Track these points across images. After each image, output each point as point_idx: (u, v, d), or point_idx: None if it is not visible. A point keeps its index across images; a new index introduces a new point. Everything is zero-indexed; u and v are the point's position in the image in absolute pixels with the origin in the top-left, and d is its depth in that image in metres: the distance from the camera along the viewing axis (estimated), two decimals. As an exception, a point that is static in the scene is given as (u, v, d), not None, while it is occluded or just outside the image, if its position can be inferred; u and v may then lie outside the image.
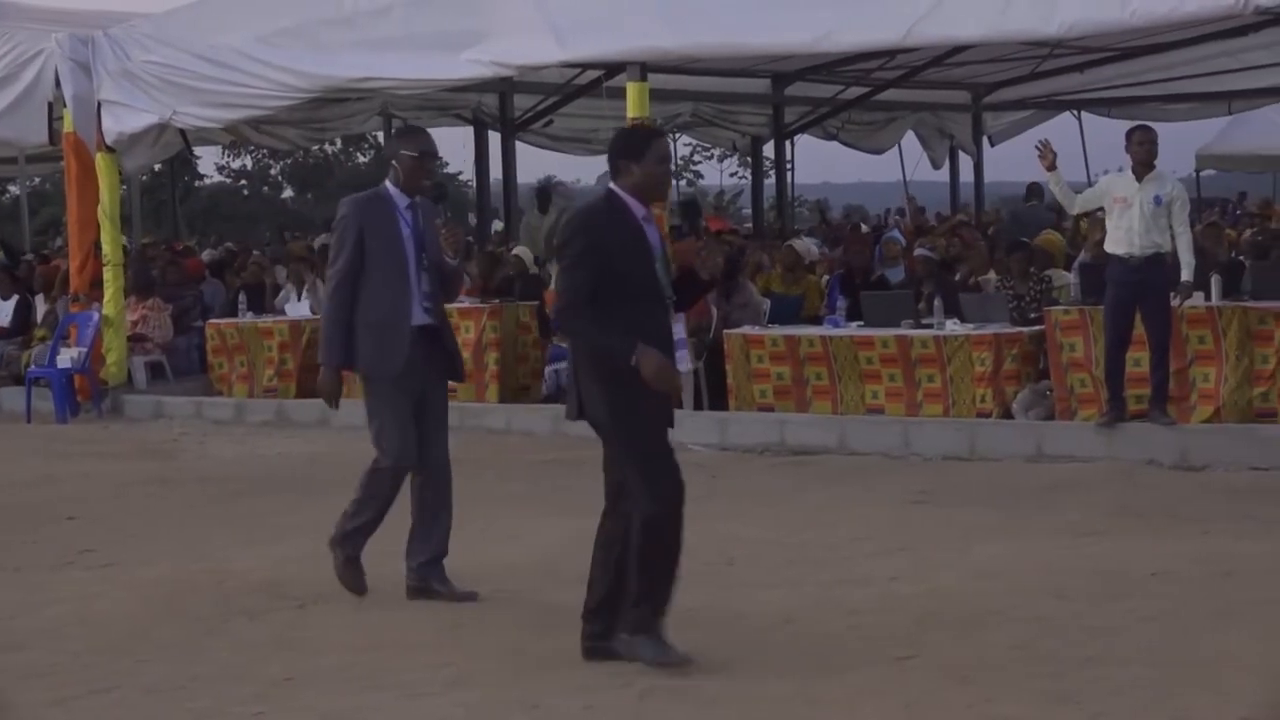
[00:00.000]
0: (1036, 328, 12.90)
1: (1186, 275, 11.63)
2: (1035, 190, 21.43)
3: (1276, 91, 21.83)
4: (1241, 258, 15.11)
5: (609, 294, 6.58)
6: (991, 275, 14.98)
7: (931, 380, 12.84)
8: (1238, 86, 21.33)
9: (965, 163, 24.98)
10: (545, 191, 23.67)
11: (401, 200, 8.02)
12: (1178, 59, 20.21)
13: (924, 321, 13.28)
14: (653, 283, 6.71)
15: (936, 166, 25.02)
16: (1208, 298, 12.17)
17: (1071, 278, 14.02)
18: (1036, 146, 12.14)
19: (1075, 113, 23.78)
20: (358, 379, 8.22)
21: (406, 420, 7.98)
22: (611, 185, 6.80)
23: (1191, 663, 6.60)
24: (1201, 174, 30.41)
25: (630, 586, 6.74)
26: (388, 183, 8.10)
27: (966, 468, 11.87)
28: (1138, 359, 11.83)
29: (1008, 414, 12.67)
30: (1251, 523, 9.40)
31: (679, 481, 6.71)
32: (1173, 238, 11.61)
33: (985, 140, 24.42)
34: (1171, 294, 11.67)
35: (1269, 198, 31.92)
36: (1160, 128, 12.28)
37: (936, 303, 13.29)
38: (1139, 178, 11.59)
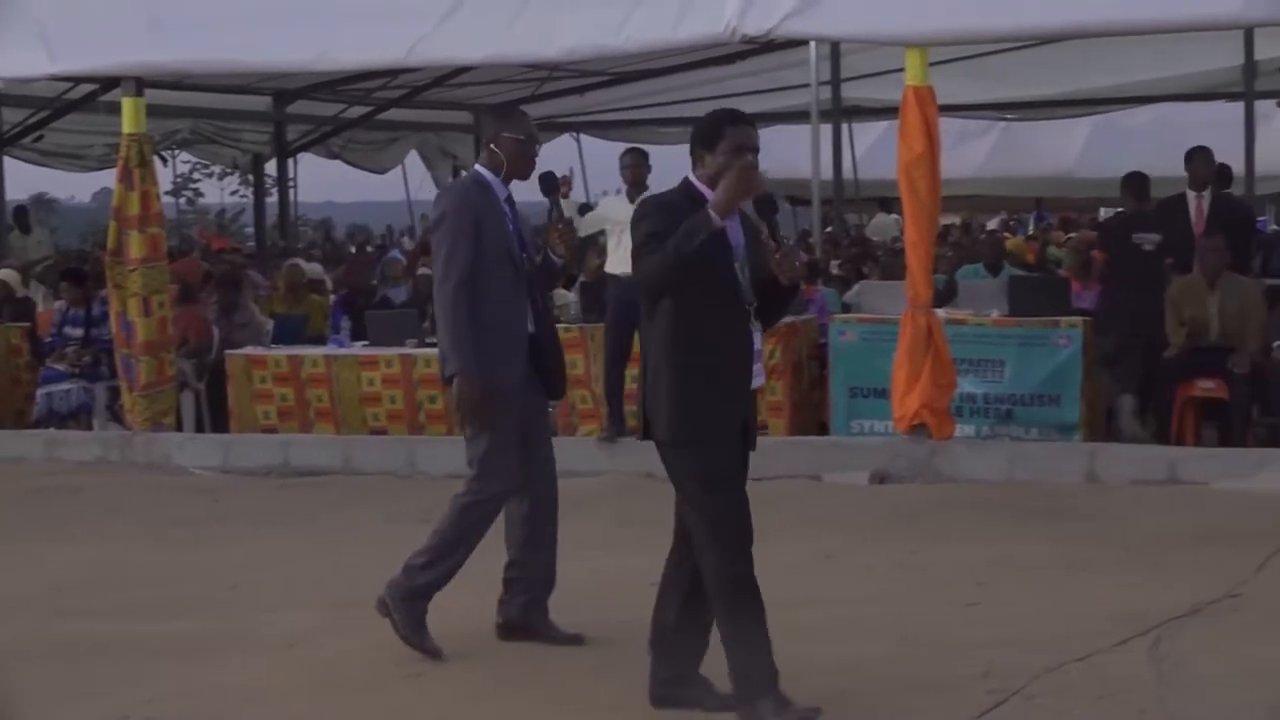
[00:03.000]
0: (539, 346, 13.09)
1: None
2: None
3: (760, 116, 22.79)
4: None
5: (681, 296, 5.89)
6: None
7: (434, 402, 12.91)
8: (727, 111, 22.19)
9: (468, 182, 25.22)
10: (23, 210, 22.82)
11: (501, 190, 7.13)
12: (671, 84, 20.92)
13: (429, 340, 13.34)
14: (731, 285, 5.98)
15: (440, 186, 25.19)
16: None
17: (572, 297, 14.30)
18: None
19: (575, 135, 24.31)
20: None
21: (514, 441, 7.16)
22: (689, 175, 6.13)
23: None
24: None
25: (727, 643, 6.00)
26: (483, 170, 7.14)
27: (472, 485, 11.94)
28: (635, 376, 12.13)
29: (512, 431, 12.82)
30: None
31: (745, 517, 5.99)
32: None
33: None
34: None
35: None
36: (656, 150, 12.66)
37: (441, 322, 13.35)
38: (632, 199, 11.90)
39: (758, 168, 5.91)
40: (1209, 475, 10.77)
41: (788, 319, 12.42)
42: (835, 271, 15.74)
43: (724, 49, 16.41)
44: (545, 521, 7.38)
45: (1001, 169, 25.72)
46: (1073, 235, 19.17)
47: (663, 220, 5.91)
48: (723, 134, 6.03)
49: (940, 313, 11.75)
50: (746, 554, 5.94)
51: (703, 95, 20.98)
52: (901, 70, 11.48)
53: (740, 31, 11.49)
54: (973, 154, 25.19)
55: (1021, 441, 11.75)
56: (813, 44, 15.44)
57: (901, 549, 9.09)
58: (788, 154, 23.21)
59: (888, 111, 15.43)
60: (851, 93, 19.99)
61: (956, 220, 26.47)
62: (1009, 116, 23.21)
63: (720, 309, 5.96)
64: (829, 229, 20.69)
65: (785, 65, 19.23)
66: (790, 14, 11.32)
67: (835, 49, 18.79)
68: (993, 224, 26.96)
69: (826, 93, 19.17)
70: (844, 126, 20.97)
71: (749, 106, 21.77)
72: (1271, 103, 20.48)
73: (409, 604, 7.11)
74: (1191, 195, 12.64)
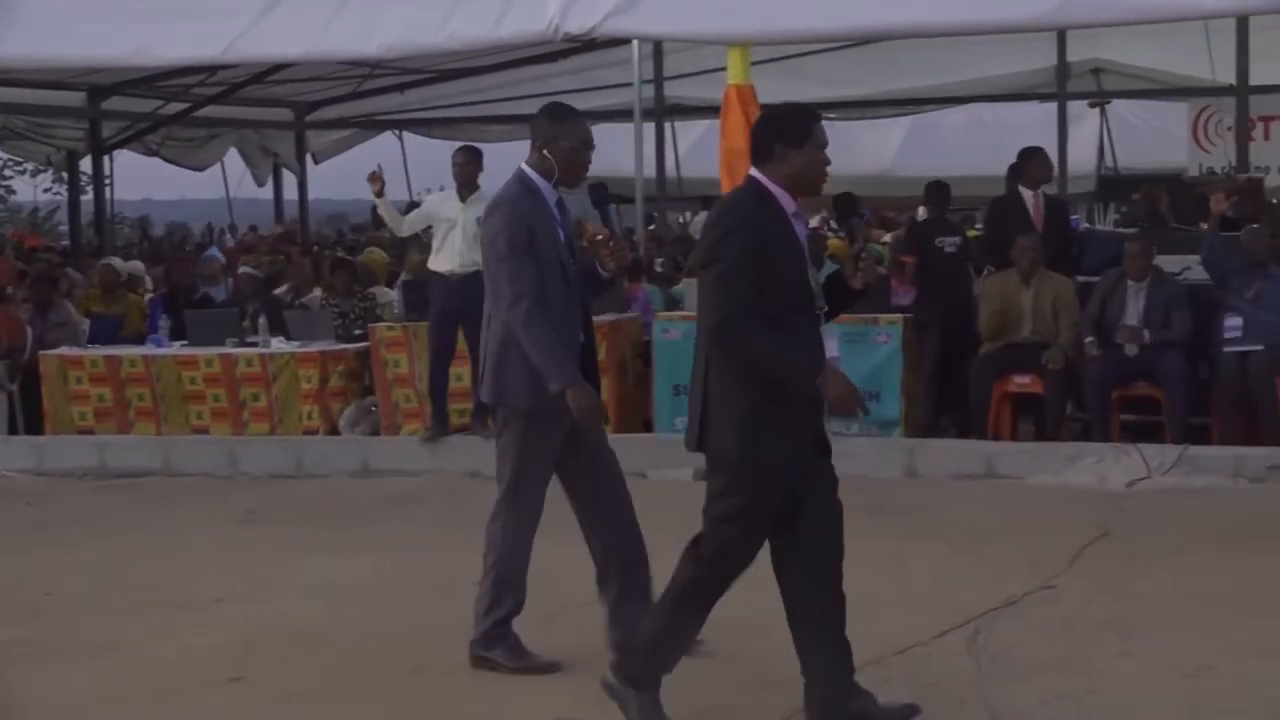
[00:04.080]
0: (361, 344, 13.04)
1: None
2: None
3: (583, 115, 22.81)
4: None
5: (761, 305, 5.54)
6: (317, 293, 15.05)
7: (257, 399, 12.78)
8: (550, 110, 22.20)
9: (289, 180, 24.99)
10: None
11: (551, 195, 6.75)
12: (494, 82, 20.87)
13: (249, 340, 13.21)
14: (806, 290, 5.67)
15: (260, 184, 24.94)
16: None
17: (395, 295, 14.22)
18: (370, 177, 12.16)
19: (396, 132, 24.16)
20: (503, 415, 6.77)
21: (553, 466, 6.78)
22: (754, 173, 5.79)
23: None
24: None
25: (650, 626, 5.90)
26: (532, 173, 6.77)
27: (295, 485, 11.87)
28: (459, 374, 12.12)
29: (334, 430, 12.75)
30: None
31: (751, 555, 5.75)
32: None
33: (309, 158, 24.49)
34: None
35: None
36: (483, 148, 12.62)
37: (262, 320, 13.24)
38: (462, 198, 11.85)
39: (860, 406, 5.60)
40: (1024, 470, 11.00)
41: (610, 316, 12.49)
42: (659, 269, 15.79)
43: (546, 47, 16.40)
44: (624, 504, 6.87)
45: (821, 168, 25.99)
46: (893, 233, 19.42)
47: (750, 236, 5.58)
48: (811, 131, 5.78)
49: (763, 310, 11.84)
50: (727, 584, 5.80)
51: (526, 93, 20.95)
52: (723, 69, 11.57)
53: (563, 30, 11.52)
54: (793, 153, 25.43)
55: (843, 437, 11.81)
56: (635, 43, 15.48)
57: (725, 545, 9.13)
58: (610, 152, 23.23)
59: (710, 110, 15.53)
60: (674, 91, 20.06)
61: (778, 218, 26.66)
62: (829, 116, 23.28)
63: (797, 317, 5.65)
64: (652, 226, 20.77)
65: (608, 64, 19.23)
66: (612, 12, 11.37)
67: (658, 48, 18.85)
68: (814, 222, 27.25)
69: (649, 91, 19.24)
70: (666, 125, 21.05)
71: (572, 104, 21.88)
72: (1083, 103, 20.89)
73: (495, 641, 6.72)
74: (1028, 194, 12.77)
